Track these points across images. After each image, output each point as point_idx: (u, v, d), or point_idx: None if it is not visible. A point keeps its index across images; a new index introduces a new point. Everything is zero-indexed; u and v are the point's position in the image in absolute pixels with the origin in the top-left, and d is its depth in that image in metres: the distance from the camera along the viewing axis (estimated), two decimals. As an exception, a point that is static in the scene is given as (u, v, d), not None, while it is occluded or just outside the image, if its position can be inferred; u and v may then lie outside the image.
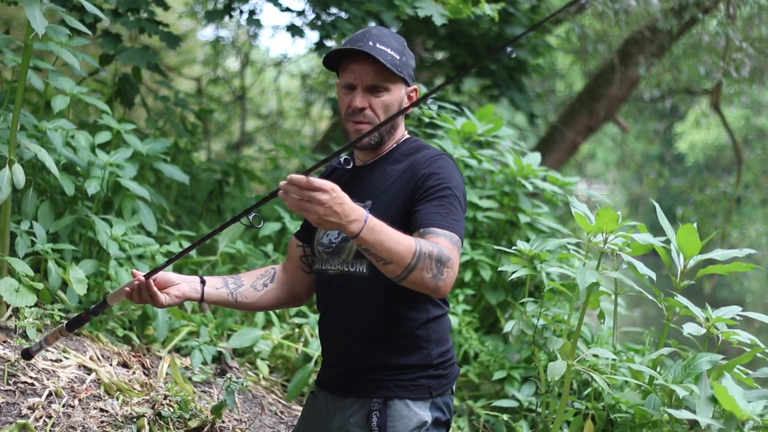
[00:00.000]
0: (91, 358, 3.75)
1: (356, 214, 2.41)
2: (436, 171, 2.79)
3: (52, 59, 4.50)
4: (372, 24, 6.57)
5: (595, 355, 3.78)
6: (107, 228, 4.17)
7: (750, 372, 3.49)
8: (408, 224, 2.73)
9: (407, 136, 3.04)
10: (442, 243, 2.61)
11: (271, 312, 4.82)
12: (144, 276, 2.78)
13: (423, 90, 3.38)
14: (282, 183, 2.37)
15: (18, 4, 4.41)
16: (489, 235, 5.59)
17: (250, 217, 2.63)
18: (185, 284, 2.92)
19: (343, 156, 2.67)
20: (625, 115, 13.37)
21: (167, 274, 2.91)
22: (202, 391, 4.06)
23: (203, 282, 2.96)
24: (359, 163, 3.01)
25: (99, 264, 4.20)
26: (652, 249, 3.72)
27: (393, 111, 2.88)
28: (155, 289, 2.81)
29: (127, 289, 2.82)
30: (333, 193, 2.36)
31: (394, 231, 2.50)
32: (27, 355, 3.15)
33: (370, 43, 2.85)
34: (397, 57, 2.87)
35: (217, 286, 2.99)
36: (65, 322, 3.04)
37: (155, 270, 2.78)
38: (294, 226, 5.35)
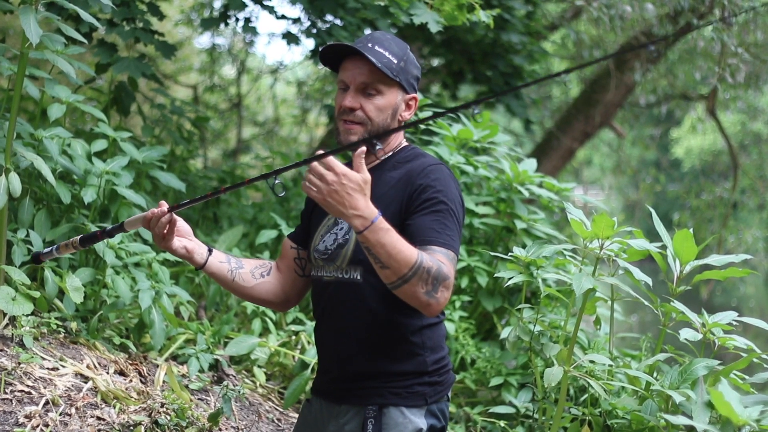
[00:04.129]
0: (87, 367, 3.75)
1: (365, 211, 2.46)
2: (432, 183, 2.79)
3: (48, 68, 4.51)
4: (368, 31, 6.58)
5: (591, 361, 3.78)
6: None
7: (746, 377, 3.49)
8: (402, 234, 2.74)
9: (405, 143, 3.04)
10: (442, 261, 2.62)
11: (267, 319, 4.82)
12: (169, 208, 2.82)
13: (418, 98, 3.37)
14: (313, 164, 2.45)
15: (14, 13, 4.41)
16: (485, 242, 5.59)
17: (275, 182, 2.64)
18: (197, 244, 2.97)
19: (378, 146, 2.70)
20: (621, 120, 13.41)
21: (187, 227, 2.97)
22: (199, 399, 4.05)
23: (210, 252, 2.99)
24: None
25: (96, 272, 4.20)
26: (649, 255, 3.73)
27: (385, 114, 2.88)
28: (174, 226, 2.86)
29: (149, 214, 2.84)
30: (343, 179, 2.41)
31: (400, 239, 2.52)
32: (36, 259, 3.30)
33: (369, 44, 2.86)
34: (395, 61, 2.87)
35: (221, 260, 3.01)
36: (81, 235, 3.12)
37: (180, 204, 2.82)
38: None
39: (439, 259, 2.61)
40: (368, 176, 2.47)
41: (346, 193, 2.42)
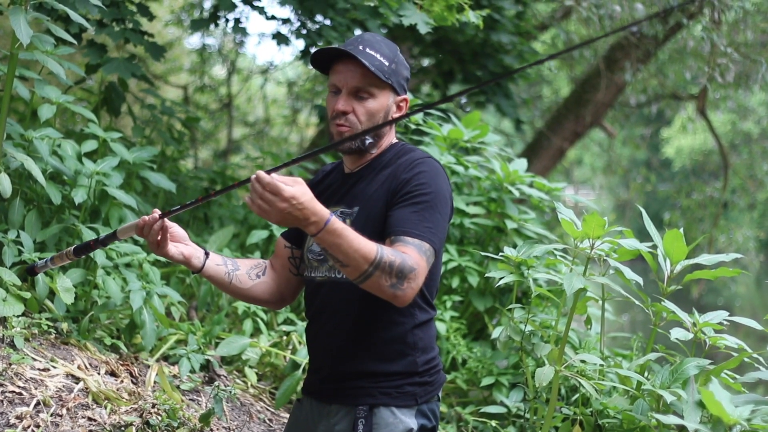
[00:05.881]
0: (78, 367, 3.74)
1: (317, 216, 2.45)
2: (416, 175, 2.78)
3: (38, 68, 4.50)
4: (357, 32, 6.58)
5: (582, 361, 3.78)
6: (94, 237, 4.16)
7: (737, 376, 3.50)
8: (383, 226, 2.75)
9: (395, 141, 3.04)
10: (410, 253, 2.61)
11: (258, 320, 4.82)
12: (160, 215, 2.79)
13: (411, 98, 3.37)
14: (252, 177, 2.41)
15: (3, 14, 4.41)
16: (476, 242, 5.60)
17: None
18: (193, 249, 2.94)
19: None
20: (611, 120, 13.43)
21: (182, 232, 2.94)
22: (190, 400, 4.05)
23: (207, 255, 2.97)
24: (347, 170, 3.01)
25: (86, 273, 4.19)
26: (639, 254, 3.73)
27: (377, 118, 2.88)
28: (167, 233, 2.83)
29: (141, 221, 2.81)
30: (293, 201, 2.40)
31: (356, 237, 2.51)
32: (32, 271, 3.28)
33: (360, 47, 2.85)
34: (386, 63, 2.86)
35: (217, 262, 3.00)
36: (74, 246, 3.10)
37: (172, 210, 2.79)
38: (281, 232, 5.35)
39: (405, 251, 2.60)
40: (301, 182, 2.45)
41: (297, 211, 2.41)
